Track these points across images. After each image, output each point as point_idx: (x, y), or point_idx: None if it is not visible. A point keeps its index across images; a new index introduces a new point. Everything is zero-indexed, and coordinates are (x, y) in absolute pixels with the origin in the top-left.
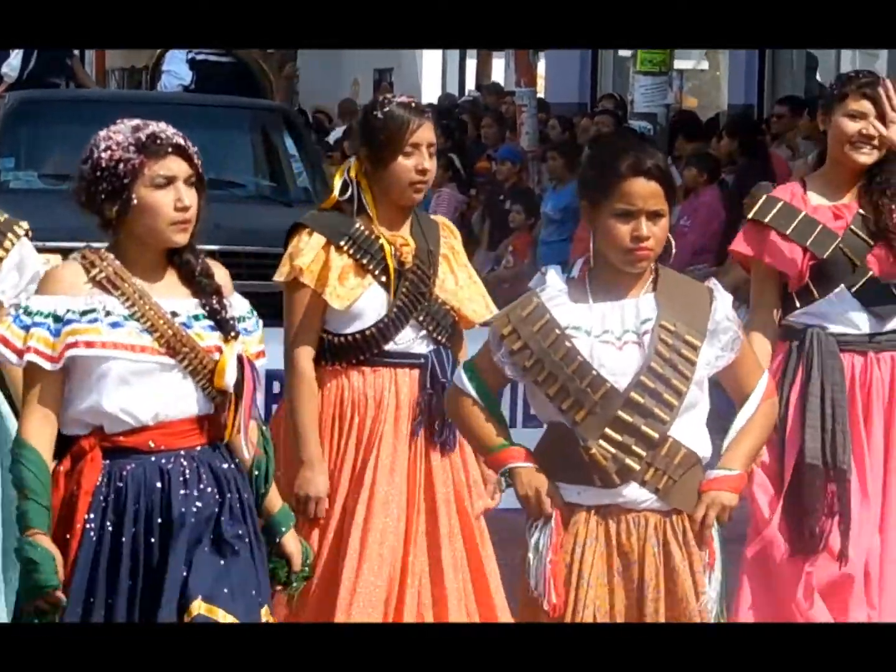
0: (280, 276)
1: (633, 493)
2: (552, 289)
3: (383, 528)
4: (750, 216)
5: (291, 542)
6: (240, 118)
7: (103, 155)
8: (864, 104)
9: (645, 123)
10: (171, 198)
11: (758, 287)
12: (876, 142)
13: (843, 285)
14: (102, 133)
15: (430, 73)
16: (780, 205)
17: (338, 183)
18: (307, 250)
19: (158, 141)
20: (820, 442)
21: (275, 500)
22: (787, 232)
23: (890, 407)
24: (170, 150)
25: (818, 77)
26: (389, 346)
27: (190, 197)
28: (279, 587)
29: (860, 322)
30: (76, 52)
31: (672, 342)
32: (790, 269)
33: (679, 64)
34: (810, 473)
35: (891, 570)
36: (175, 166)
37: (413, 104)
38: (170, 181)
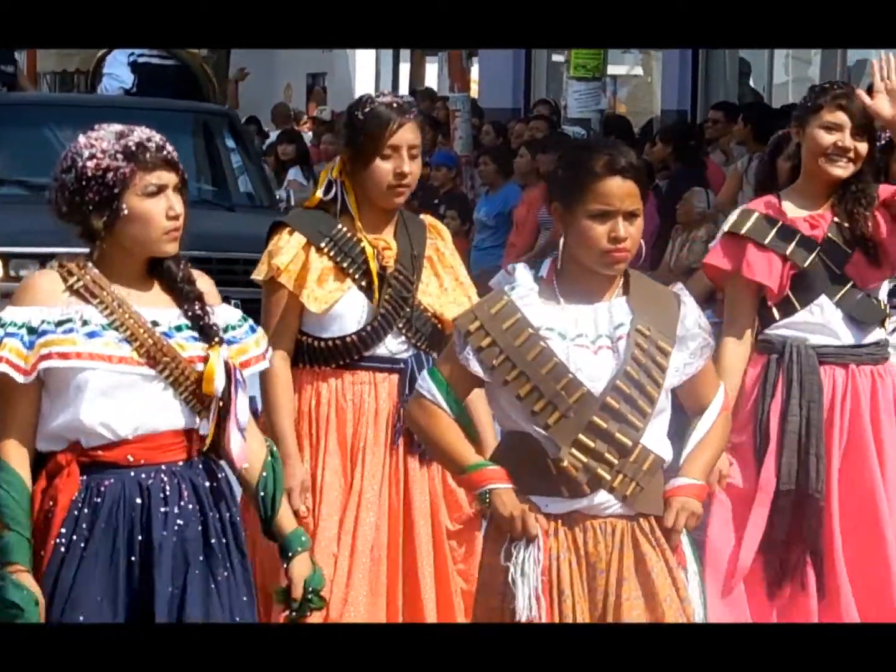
0: (258, 274)
1: (599, 499)
2: (523, 287)
3: (371, 532)
4: (726, 229)
5: (297, 567)
6: (182, 122)
7: (89, 164)
8: (840, 116)
9: (578, 129)
10: (162, 206)
11: (733, 303)
12: (852, 154)
13: (824, 295)
14: (83, 140)
15: (364, 77)
16: (755, 216)
17: (322, 182)
18: (286, 249)
19: (149, 151)
20: (796, 466)
21: (285, 521)
22: (765, 242)
23: (874, 426)
24: (160, 160)
25: (751, 83)
26: (369, 352)
27: (180, 204)
28: (284, 613)
29: (842, 333)
30: (17, 56)
31: (647, 347)
32: (770, 281)
33: (613, 69)
34: (784, 499)
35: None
36: (166, 175)
37: (396, 104)
38: (161, 190)
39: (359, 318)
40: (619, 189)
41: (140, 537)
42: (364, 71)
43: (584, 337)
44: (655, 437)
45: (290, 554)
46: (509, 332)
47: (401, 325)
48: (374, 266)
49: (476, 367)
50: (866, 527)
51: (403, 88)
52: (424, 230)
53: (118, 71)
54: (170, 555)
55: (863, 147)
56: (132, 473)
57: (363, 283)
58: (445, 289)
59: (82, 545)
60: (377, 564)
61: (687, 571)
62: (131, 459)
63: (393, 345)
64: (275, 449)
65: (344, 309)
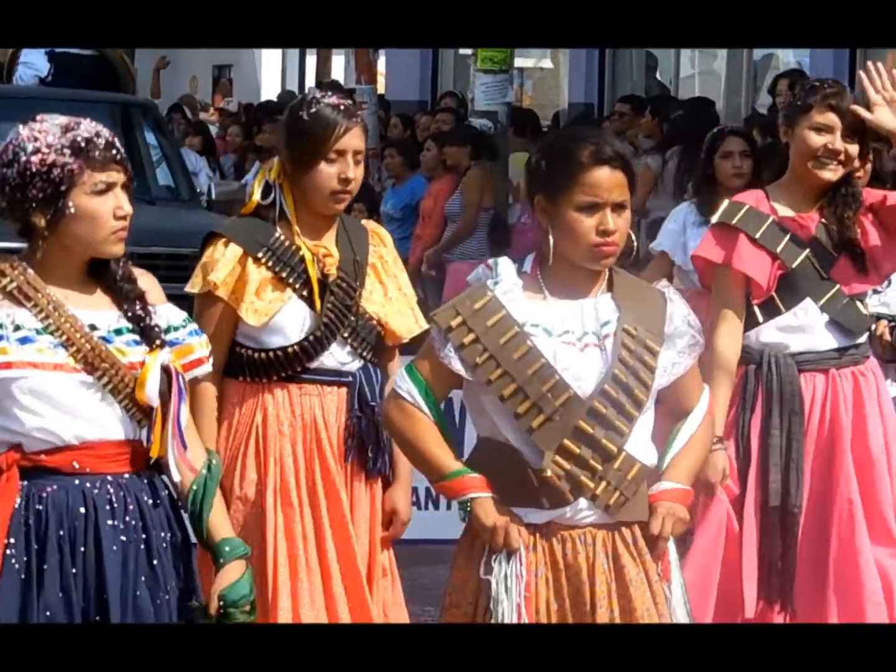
0: (193, 287)
1: (579, 507)
2: (507, 282)
3: (315, 548)
4: (715, 220)
5: (216, 581)
6: (99, 113)
7: (33, 158)
8: (830, 117)
9: (485, 121)
10: (110, 205)
11: (723, 296)
12: (842, 157)
13: (809, 298)
14: (25, 133)
15: (270, 70)
16: (745, 208)
17: (258, 185)
18: (223, 263)
19: (98, 148)
20: (780, 482)
21: (217, 529)
22: (756, 236)
23: (856, 426)
24: (109, 157)
25: (658, 76)
26: (315, 364)
27: (128, 203)
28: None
29: (824, 338)
30: None
31: (634, 348)
32: (760, 277)
33: (520, 62)
34: (772, 515)
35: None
36: (115, 173)
37: (343, 106)
38: (109, 188)
39: (301, 328)
40: (608, 180)
41: (83, 549)
42: (270, 63)
43: (570, 334)
44: (640, 442)
45: (220, 561)
46: (494, 329)
47: (346, 335)
48: (314, 273)
49: (458, 366)
50: (833, 536)
51: (310, 80)
52: (367, 236)
53: (34, 59)
54: (117, 571)
55: (853, 149)
56: (76, 482)
57: (304, 293)
58: (390, 298)
59: (25, 559)
60: (327, 579)
61: (671, 584)
62: (77, 466)
63: (339, 355)
64: (214, 462)
65: (285, 320)
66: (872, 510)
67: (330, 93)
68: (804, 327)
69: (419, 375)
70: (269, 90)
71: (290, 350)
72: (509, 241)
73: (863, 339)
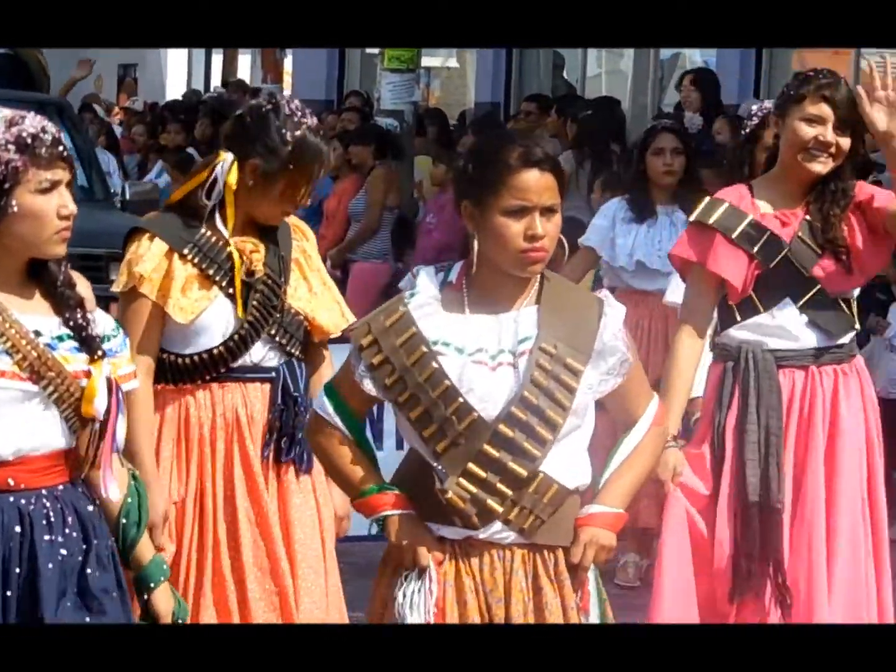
0: (118, 285)
1: (495, 528)
2: (423, 295)
3: (250, 548)
4: (693, 218)
5: (161, 599)
6: None
7: None
8: (823, 108)
9: (391, 120)
10: (55, 204)
11: (693, 294)
12: (833, 150)
13: (788, 298)
14: None
15: (175, 69)
16: (724, 206)
17: (196, 182)
18: (148, 257)
19: (45, 145)
20: (759, 477)
21: (145, 551)
22: (733, 236)
23: (832, 422)
24: (56, 155)
25: (565, 75)
26: (238, 362)
27: (72, 202)
28: None
29: (804, 337)
30: None
31: (551, 368)
32: (735, 279)
33: (427, 61)
34: (751, 512)
35: (839, 584)
36: (60, 170)
37: (322, 131)
38: (54, 186)
39: (225, 329)
40: (537, 183)
41: (18, 570)
42: (176, 62)
43: (483, 352)
44: (563, 463)
45: (151, 585)
46: (403, 348)
47: (272, 332)
48: (239, 271)
49: (369, 386)
50: (813, 533)
51: (216, 80)
52: (289, 231)
53: None
54: (54, 590)
55: (845, 142)
56: (11, 499)
57: (230, 291)
58: (315, 293)
59: None
60: (261, 579)
61: (588, 615)
62: (11, 483)
63: (264, 352)
64: (136, 473)
65: (211, 319)
66: (835, 510)
67: (299, 104)
68: (782, 327)
69: (337, 393)
70: (175, 89)
71: (215, 352)
72: (414, 241)
73: (847, 338)
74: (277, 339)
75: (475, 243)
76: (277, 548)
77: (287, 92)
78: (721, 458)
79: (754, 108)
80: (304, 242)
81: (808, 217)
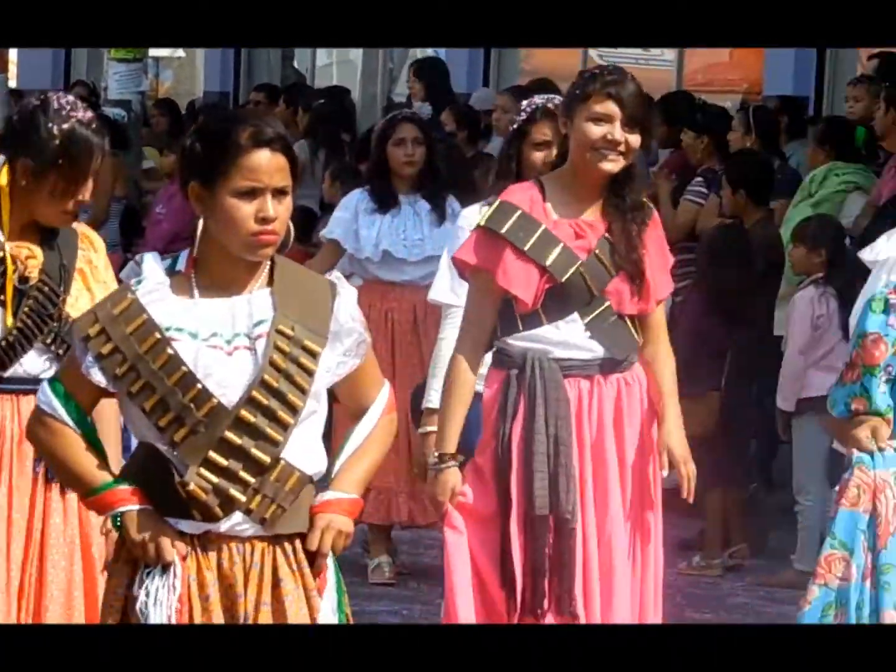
0: None
1: (235, 520)
2: (150, 281)
3: (17, 566)
4: (482, 223)
5: None
6: None
7: None
8: (609, 106)
9: (119, 110)
10: None
11: (478, 303)
12: (623, 147)
13: (576, 313)
14: None
15: None
16: (517, 214)
17: None
18: None
19: None
20: (548, 489)
21: None
22: (525, 248)
23: (618, 430)
24: None
25: (295, 65)
26: (9, 373)
27: None
28: None
29: (588, 347)
30: None
31: (290, 350)
32: (526, 295)
33: (155, 51)
34: (540, 525)
35: (621, 590)
36: None
37: (96, 126)
38: None
39: None
40: (268, 163)
41: None
42: None
43: (218, 336)
44: (301, 449)
45: None
46: (134, 336)
47: (48, 342)
48: (10, 279)
49: (99, 377)
50: (610, 543)
51: None
52: (76, 239)
53: None
54: None
55: (634, 139)
56: None
57: (2, 298)
58: None
59: None
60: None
61: (323, 599)
62: None
63: (38, 363)
64: None
65: None
66: (628, 516)
67: (71, 98)
68: (566, 341)
69: (61, 388)
70: None
71: None
72: (142, 231)
73: (632, 356)
74: (53, 348)
75: (202, 225)
76: (30, 566)
77: (12, 83)
78: (507, 470)
79: (524, 103)
80: (90, 252)
81: (607, 235)
